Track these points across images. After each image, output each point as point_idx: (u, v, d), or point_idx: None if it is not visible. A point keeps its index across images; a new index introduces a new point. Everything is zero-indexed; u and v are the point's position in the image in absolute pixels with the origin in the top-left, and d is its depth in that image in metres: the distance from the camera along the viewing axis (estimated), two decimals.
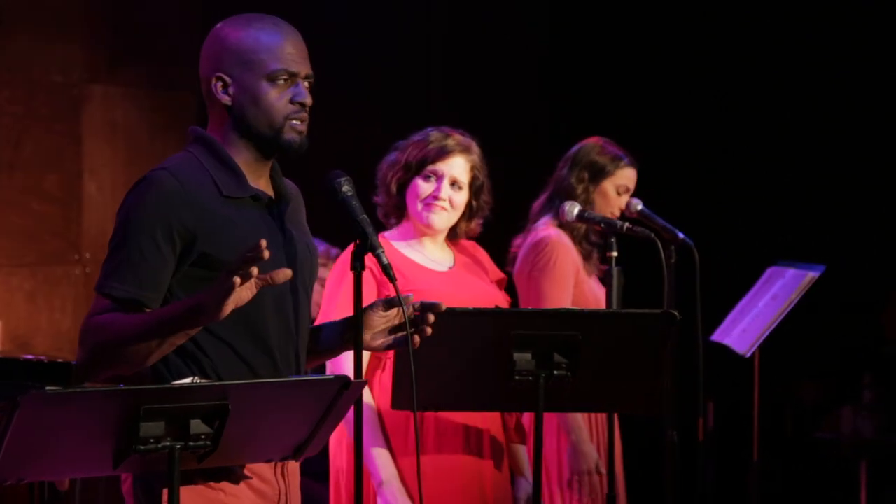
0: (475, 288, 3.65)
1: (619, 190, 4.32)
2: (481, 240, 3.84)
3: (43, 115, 5.08)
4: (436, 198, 3.60)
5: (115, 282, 2.57)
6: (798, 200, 6.65)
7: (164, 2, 5.39)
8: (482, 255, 3.83)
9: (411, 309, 2.71)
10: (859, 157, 6.55)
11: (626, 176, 4.34)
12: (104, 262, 2.62)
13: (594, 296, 4.23)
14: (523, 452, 3.81)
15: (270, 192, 2.73)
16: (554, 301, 4.12)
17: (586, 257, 4.27)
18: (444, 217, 3.63)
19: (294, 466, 2.72)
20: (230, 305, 2.40)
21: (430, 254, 3.65)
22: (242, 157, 2.68)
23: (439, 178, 3.61)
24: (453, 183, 3.62)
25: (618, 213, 4.29)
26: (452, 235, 3.73)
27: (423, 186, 3.61)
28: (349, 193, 2.68)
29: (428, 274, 3.60)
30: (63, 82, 5.14)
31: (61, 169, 5.13)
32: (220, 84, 2.67)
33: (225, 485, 2.61)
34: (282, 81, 2.65)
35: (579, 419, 4.06)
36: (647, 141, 6.31)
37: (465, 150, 3.66)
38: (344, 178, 2.71)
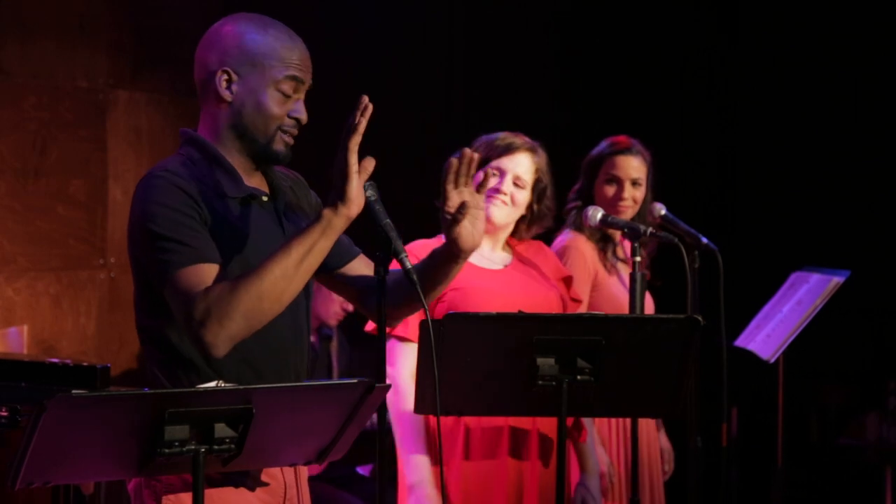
0: (528, 288, 3.63)
1: (608, 179, 4.24)
2: None
3: (68, 121, 5.10)
4: (497, 191, 3.60)
5: (175, 256, 2.51)
6: (823, 205, 6.63)
7: (187, 8, 5.40)
8: (547, 254, 3.81)
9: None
10: (884, 162, 6.53)
11: (615, 164, 4.25)
12: (154, 262, 2.54)
13: (617, 297, 4.17)
14: (584, 449, 3.82)
15: (265, 188, 2.74)
16: None
17: (605, 255, 4.22)
18: (504, 212, 3.63)
19: None
20: (358, 181, 2.50)
21: (484, 251, 3.64)
22: (235, 156, 2.69)
23: (503, 173, 3.61)
24: (517, 180, 3.62)
25: (621, 208, 4.20)
26: (516, 235, 3.72)
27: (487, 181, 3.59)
28: (373, 198, 2.66)
29: (478, 271, 3.58)
30: (88, 88, 5.16)
31: (86, 174, 5.15)
32: (224, 78, 2.66)
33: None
34: (286, 88, 2.66)
35: None
36: (671, 145, 6.31)
37: (532, 149, 3.67)
38: (368, 183, 2.69)
